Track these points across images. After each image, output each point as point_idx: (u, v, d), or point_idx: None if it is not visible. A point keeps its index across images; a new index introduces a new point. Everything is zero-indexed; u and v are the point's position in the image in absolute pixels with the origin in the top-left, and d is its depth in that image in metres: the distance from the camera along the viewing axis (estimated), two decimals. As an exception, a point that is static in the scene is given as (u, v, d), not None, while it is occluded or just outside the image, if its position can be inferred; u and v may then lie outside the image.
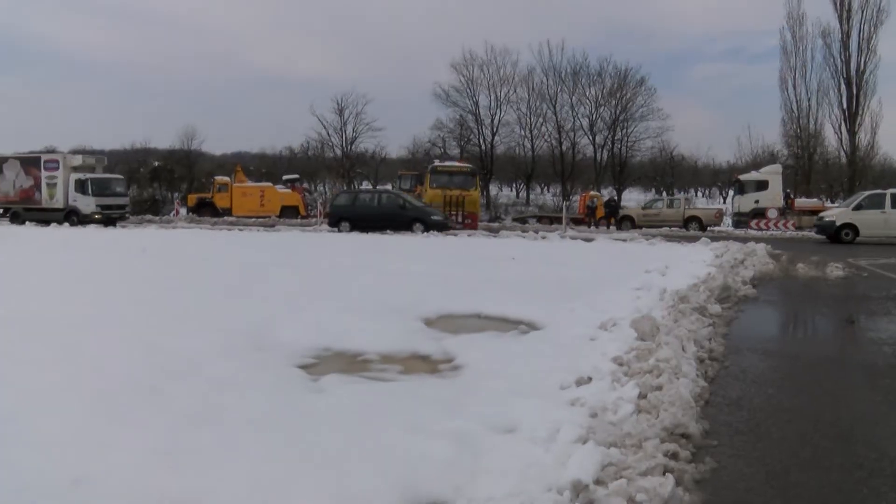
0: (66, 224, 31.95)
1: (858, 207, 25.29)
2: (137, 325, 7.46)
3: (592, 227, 34.97)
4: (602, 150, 54.59)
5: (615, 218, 35.43)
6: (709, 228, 34.11)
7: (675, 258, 15.98)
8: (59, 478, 3.43)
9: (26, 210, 33.60)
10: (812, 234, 28.40)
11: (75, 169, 33.49)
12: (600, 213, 36.97)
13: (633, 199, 56.20)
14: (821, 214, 27.91)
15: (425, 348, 6.70)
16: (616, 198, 41.14)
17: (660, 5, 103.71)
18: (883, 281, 13.52)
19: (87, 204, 32.72)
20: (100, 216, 32.66)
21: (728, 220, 37.60)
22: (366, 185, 58.98)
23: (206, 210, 39.66)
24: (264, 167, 59.71)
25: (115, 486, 3.36)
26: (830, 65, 43.97)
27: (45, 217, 32.74)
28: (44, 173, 33.62)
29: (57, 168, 33.46)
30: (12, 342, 6.43)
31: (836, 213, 26.43)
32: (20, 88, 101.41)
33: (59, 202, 33.27)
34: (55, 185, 33.38)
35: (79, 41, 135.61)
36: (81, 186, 32.70)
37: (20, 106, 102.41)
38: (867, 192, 27.15)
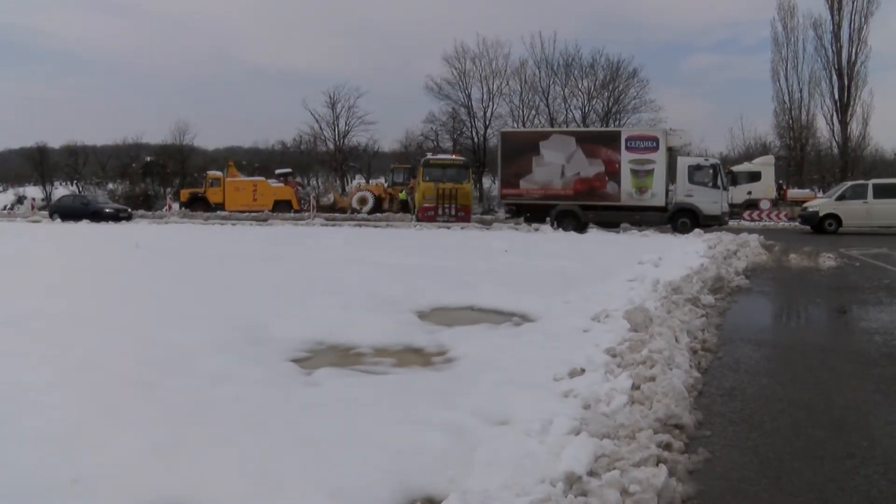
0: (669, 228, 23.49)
1: (841, 198, 25.46)
2: (131, 319, 7.44)
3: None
4: (595, 142, 54.56)
5: None
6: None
7: (669, 249, 16.01)
8: (58, 476, 3.40)
9: (586, 208, 24.33)
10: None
11: (671, 150, 24.38)
12: None
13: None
14: (805, 205, 28.08)
15: (419, 341, 6.70)
16: None
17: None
18: (875, 271, 13.57)
19: (713, 201, 23.42)
20: (725, 221, 24.02)
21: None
22: (359, 180, 58.86)
23: (198, 205, 39.56)
24: (257, 161, 59.53)
25: (113, 484, 3.34)
26: (822, 56, 44.14)
27: (624, 218, 24.00)
28: (626, 156, 23.96)
29: (655, 148, 23.83)
30: (4, 338, 6.39)
31: (820, 203, 26.60)
32: (8, 82, 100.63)
33: (656, 198, 23.85)
34: (650, 172, 23.78)
35: (69, 35, 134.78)
36: (710, 176, 23.59)
37: (8, 100, 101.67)
38: (850, 183, 27.34)
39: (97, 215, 32.47)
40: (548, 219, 24.81)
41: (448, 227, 26.63)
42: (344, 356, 6.21)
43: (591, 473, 3.45)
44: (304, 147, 61.63)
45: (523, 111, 54.68)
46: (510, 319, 7.79)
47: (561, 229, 23.53)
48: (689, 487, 3.49)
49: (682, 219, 23.48)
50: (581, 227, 23.70)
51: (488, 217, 37.00)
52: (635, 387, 4.88)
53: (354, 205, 40.08)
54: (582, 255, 15.21)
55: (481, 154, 53.54)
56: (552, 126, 53.62)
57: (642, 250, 15.44)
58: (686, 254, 14.81)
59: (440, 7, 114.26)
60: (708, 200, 23.32)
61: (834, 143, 45.68)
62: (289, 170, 45.08)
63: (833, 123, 44.66)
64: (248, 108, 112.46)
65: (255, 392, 4.88)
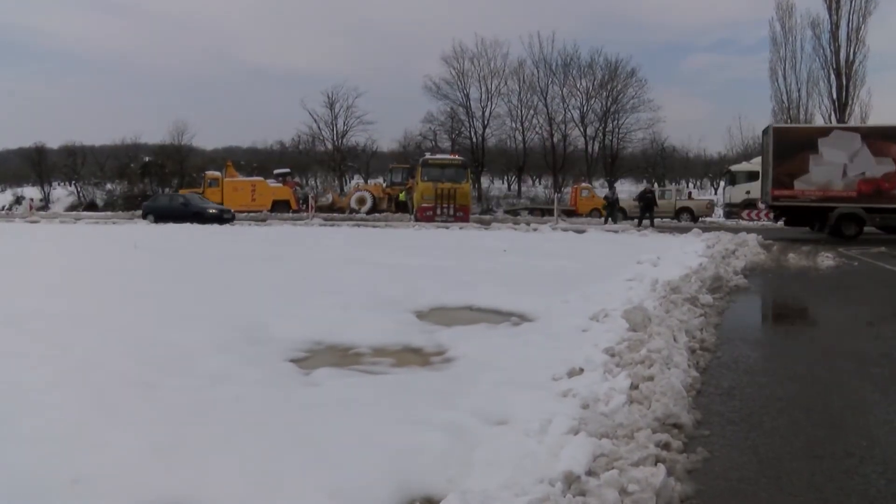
0: None
1: None
2: (130, 319, 7.44)
3: (613, 223, 30.23)
4: (593, 142, 54.86)
5: (651, 213, 29.71)
6: (700, 219, 34.24)
7: (667, 249, 16.02)
8: (58, 476, 3.40)
9: (871, 211, 22.18)
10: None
11: None
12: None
13: (624, 190, 56.40)
14: None
15: (417, 341, 6.70)
16: (652, 189, 34.15)
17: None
18: (873, 270, 13.58)
19: None
20: None
21: (719, 211, 37.77)
22: (357, 180, 58.90)
23: (197, 205, 39.50)
24: (255, 161, 59.52)
25: (113, 484, 3.35)
26: (820, 55, 44.13)
27: None
28: None
29: None
30: (4, 338, 6.39)
31: None
32: (7, 82, 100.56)
33: None
34: None
35: (68, 36, 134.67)
36: None
37: (7, 100, 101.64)
38: None
39: (199, 217, 29.58)
40: (826, 224, 23.08)
41: (447, 227, 26.65)
42: (343, 356, 6.21)
43: (590, 473, 3.45)
44: (303, 147, 61.73)
45: (521, 111, 54.99)
46: (509, 319, 7.79)
47: (841, 234, 21.81)
48: (687, 487, 3.49)
49: None
50: (862, 232, 21.80)
51: (487, 217, 37.07)
52: (634, 386, 4.88)
53: (353, 205, 40.13)
54: (581, 254, 15.22)
55: (480, 154, 53.64)
56: (550, 126, 53.74)
57: (641, 250, 15.45)
58: (685, 253, 14.82)
59: (439, 7, 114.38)
60: None
61: (832, 143, 45.66)
62: (287, 170, 45.15)
63: (831, 123, 44.68)
64: (246, 108, 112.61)
65: (255, 392, 4.88)
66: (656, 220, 30.77)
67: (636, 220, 30.06)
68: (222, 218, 30.18)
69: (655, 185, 49.23)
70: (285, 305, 8.31)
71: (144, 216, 32.07)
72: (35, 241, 20.19)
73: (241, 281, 10.79)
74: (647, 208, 29.73)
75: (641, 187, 40.12)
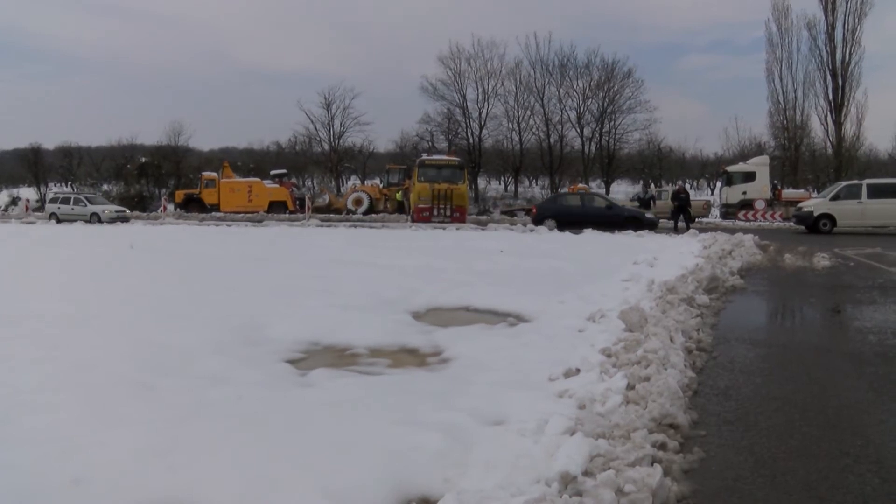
0: None
1: (836, 198, 25.51)
2: (127, 321, 7.43)
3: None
4: (590, 143, 54.83)
5: (686, 214, 27.31)
6: (697, 220, 34.25)
7: (664, 250, 16.04)
8: (58, 476, 3.41)
9: None
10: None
11: None
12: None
13: (621, 191, 56.56)
14: (799, 205, 28.07)
15: (414, 342, 6.71)
16: (686, 189, 32.25)
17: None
18: (869, 270, 13.61)
19: None
20: None
21: (716, 212, 37.83)
22: (354, 180, 58.89)
23: (193, 206, 39.53)
24: (252, 162, 59.51)
25: (112, 485, 3.36)
26: (816, 56, 44.25)
27: None
28: None
29: None
30: (3, 340, 6.38)
31: (814, 203, 26.65)
32: (4, 83, 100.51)
33: None
34: None
35: (64, 37, 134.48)
36: None
37: (3, 101, 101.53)
38: (844, 183, 27.39)
39: (635, 223, 23.92)
40: None
41: (443, 228, 26.63)
42: (339, 357, 6.22)
43: (586, 473, 3.46)
44: (300, 148, 61.72)
45: (518, 111, 54.96)
46: (505, 320, 7.80)
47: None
48: (684, 487, 3.51)
49: None
50: None
51: (483, 217, 37.03)
52: (630, 387, 4.89)
53: (350, 205, 40.12)
54: (577, 255, 15.22)
55: (476, 154, 53.64)
56: (547, 126, 53.77)
57: (638, 250, 15.46)
58: (681, 254, 14.84)
59: (436, 8, 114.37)
60: None
61: (828, 143, 45.82)
62: (284, 171, 45.08)
63: (827, 123, 44.79)
64: (243, 109, 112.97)
65: (252, 393, 4.88)
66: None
67: (672, 224, 27.49)
68: (656, 224, 25.10)
69: (653, 185, 49.10)
70: (282, 306, 8.31)
71: (539, 221, 25.21)
72: (32, 242, 20.13)
73: (238, 281, 10.78)
74: (681, 209, 27.56)
75: (637, 188, 39.92)
